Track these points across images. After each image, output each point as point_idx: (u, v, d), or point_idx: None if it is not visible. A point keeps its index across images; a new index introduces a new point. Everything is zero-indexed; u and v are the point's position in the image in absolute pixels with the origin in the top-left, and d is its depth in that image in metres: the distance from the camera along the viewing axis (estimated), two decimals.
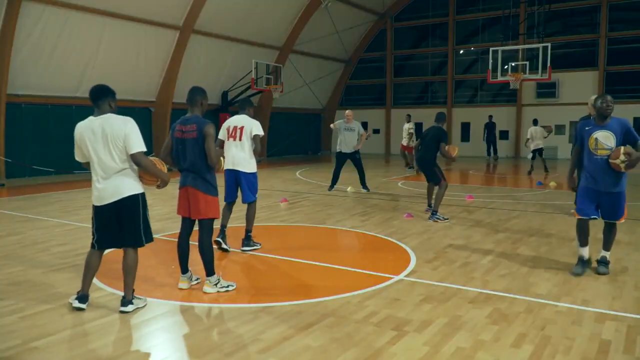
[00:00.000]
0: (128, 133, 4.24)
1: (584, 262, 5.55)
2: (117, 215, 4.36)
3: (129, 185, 4.34)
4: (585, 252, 5.58)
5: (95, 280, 5.21)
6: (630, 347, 3.73)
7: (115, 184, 4.30)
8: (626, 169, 5.18)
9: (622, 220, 5.52)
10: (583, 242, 5.59)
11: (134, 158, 4.28)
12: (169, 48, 19.30)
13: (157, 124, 20.03)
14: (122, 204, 4.33)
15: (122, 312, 4.40)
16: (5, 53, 14.48)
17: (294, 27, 24.09)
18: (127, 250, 4.46)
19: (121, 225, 4.39)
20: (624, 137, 5.29)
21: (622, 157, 5.13)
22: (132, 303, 4.45)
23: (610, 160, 5.22)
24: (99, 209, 4.40)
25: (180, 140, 4.85)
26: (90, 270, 4.49)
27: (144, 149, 4.32)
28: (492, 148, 23.92)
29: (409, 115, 18.31)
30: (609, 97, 5.34)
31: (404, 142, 17.68)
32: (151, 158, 4.50)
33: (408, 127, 17.43)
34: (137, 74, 18.75)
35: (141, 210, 4.41)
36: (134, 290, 4.52)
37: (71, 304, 4.48)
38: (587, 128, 5.47)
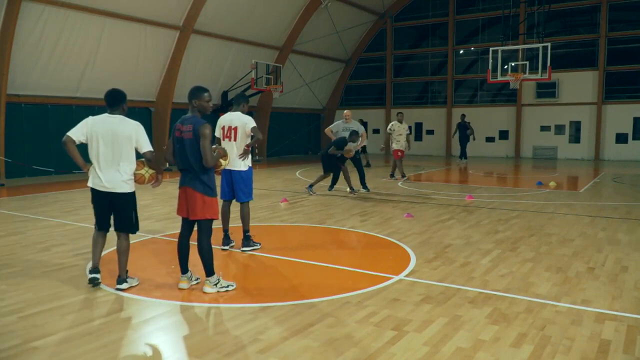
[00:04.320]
0: (140, 134, 4.93)
1: None
2: (111, 204, 4.96)
3: (122, 184, 4.92)
4: None
5: None
6: (630, 347, 3.73)
7: (113, 177, 4.88)
8: None
9: None
10: None
11: (146, 155, 4.96)
12: (169, 48, 19.30)
13: (157, 124, 20.03)
14: (116, 197, 4.92)
15: (117, 289, 4.93)
16: (5, 53, 14.48)
17: (293, 27, 24.09)
18: (120, 235, 5.02)
19: (115, 213, 5.01)
20: None
21: None
22: (126, 281, 4.98)
23: None
24: (96, 193, 4.97)
25: (179, 140, 4.85)
26: (97, 246, 5.13)
27: (152, 148, 5.01)
28: (462, 150, 21.60)
29: (403, 116, 15.00)
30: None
31: (399, 145, 14.63)
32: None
33: (404, 127, 14.72)
34: (137, 74, 18.74)
35: (134, 204, 5.03)
36: (127, 271, 5.05)
37: (87, 276, 5.12)
38: None
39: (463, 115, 22.26)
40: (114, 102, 4.92)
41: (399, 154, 14.68)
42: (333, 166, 11.64)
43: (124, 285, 4.95)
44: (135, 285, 5.06)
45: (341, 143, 11.35)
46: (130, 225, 5.02)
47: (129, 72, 18.40)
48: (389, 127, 14.86)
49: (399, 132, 14.61)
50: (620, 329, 4.05)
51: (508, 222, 8.52)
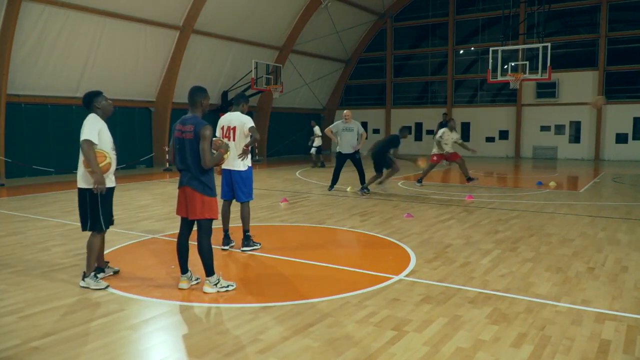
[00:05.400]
0: (85, 124, 5.01)
1: None
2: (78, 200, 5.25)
3: (80, 179, 5.12)
4: None
5: None
6: (630, 347, 3.73)
7: (78, 173, 5.16)
8: None
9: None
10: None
11: (80, 144, 4.92)
12: (169, 48, 19.30)
13: (157, 124, 20.04)
14: (78, 193, 5.21)
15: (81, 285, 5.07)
16: (5, 53, 14.49)
17: (293, 27, 24.10)
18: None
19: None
20: None
21: None
22: (84, 280, 5.05)
23: None
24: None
25: (179, 140, 4.86)
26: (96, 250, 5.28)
27: (89, 138, 4.90)
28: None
29: (455, 123, 14.03)
30: None
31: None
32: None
33: (456, 136, 13.71)
34: (137, 74, 18.75)
35: (88, 201, 5.09)
36: (94, 270, 5.09)
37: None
38: None
39: (445, 114, 21.62)
40: (87, 104, 5.20)
41: (435, 158, 13.37)
42: (386, 164, 11.85)
43: (82, 283, 5.05)
44: (99, 289, 4.96)
45: (395, 141, 11.71)
46: (85, 221, 5.15)
47: (129, 72, 18.41)
48: (439, 135, 13.42)
49: (445, 140, 13.34)
50: (620, 329, 4.05)
51: (508, 222, 8.52)
